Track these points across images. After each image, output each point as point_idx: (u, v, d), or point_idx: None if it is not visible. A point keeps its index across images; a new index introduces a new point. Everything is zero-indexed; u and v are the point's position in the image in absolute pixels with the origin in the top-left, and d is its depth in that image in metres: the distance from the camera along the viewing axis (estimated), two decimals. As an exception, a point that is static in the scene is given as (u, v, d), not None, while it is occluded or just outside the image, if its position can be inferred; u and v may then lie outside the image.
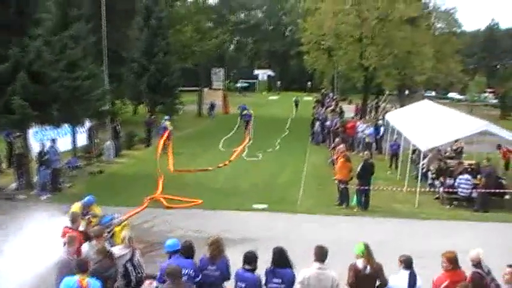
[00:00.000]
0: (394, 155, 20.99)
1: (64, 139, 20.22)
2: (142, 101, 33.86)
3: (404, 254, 6.77)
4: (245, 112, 32.17)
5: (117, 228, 9.00)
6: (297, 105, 44.68)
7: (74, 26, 17.96)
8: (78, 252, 7.27)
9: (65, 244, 7.23)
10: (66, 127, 19.25)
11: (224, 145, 26.32)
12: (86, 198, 9.91)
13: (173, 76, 32.52)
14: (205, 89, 45.41)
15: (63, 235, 7.83)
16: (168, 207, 14.64)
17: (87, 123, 20.75)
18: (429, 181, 17.47)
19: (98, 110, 19.15)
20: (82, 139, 21.85)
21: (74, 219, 8.43)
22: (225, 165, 20.02)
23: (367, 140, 23.64)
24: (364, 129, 24.46)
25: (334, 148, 19.72)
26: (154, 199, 14.99)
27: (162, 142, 19.53)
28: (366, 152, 16.95)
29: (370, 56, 33.06)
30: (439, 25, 47.44)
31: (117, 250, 7.27)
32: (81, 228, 8.27)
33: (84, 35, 18.77)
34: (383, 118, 27.01)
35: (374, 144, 24.37)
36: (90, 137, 22.28)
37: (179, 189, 16.32)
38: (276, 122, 36.22)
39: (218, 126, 34.69)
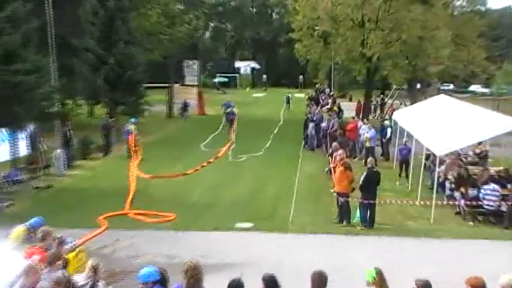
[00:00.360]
0: (404, 162, 21.13)
1: (1, 147, 19.97)
2: (99, 101, 33.62)
3: (421, 279, 6.77)
4: (229, 110, 32.97)
5: (70, 255, 8.90)
6: (288, 102, 45.07)
7: (9, 5, 17.46)
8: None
9: (21, 275, 6.85)
10: (3, 132, 18.99)
11: (207, 145, 27.04)
12: (33, 220, 9.58)
13: (137, 70, 32.33)
14: (177, 86, 45.53)
15: (29, 256, 7.57)
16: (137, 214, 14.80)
17: (31, 128, 20.51)
18: (447, 192, 17.55)
19: (44, 112, 18.95)
20: (24, 147, 21.56)
21: (45, 237, 8.20)
22: (206, 165, 20.34)
23: (367, 144, 23.70)
24: (366, 131, 24.62)
25: (331, 154, 19.66)
26: (116, 216, 15.12)
27: (132, 148, 19.74)
28: (369, 159, 17.03)
29: (373, 43, 33.07)
30: (458, 2, 47.42)
31: (80, 279, 7.18)
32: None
33: (24, 17, 18.25)
34: (390, 118, 27.18)
35: (379, 149, 24.48)
36: (34, 144, 22.01)
37: (147, 203, 16.43)
38: (263, 124, 36.41)
39: (193, 129, 34.82)
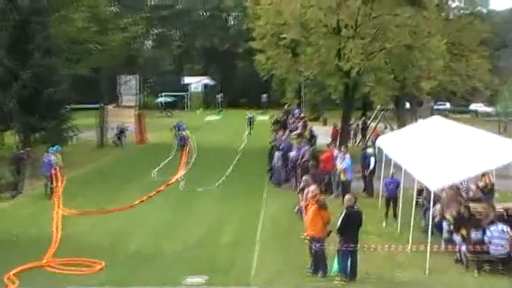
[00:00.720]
0: (392, 198, 21.16)
1: None
2: (9, 126, 32.98)
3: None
4: (180, 134, 34.15)
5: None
6: (251, 124, 45.42)
7: None
8: None
9: None
10: None
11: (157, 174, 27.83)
12: None
13: (60, 87, 32.10)
14: (110, 107, 45.06)
15: None
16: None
17: None
18: (445, 235, 17.58)
19: None
20: None
21: None
22: (145, 199, 20.40)
23: (342, 177, 23.88)
24: (340, 160, 24.78)
25: (302, 190, 19.64)
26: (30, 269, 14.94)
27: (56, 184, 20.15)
28: (347, 196, 16.58)
29: (352, 54, 33.00)
30: (454, 4, 47.28)
31: None
32: None
33: None
34: (373, 144, 27.36)
35: (361, 183, 24.67)
36: None
37: (73, 252, 16.38)
38: (218, 153, 36.76)
39: (131, 161, 34.91)
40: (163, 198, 22.31)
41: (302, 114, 47.32)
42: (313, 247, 15.31)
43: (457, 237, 16.78)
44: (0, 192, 25.20)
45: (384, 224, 20.50)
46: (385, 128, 39.74)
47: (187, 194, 25.06)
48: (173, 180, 24.50)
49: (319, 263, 15.33)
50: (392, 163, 21.85)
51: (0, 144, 36.47)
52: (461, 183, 19.49)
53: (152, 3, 74.34)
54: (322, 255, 15.28)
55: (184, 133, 34.95)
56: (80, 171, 30.11)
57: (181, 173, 26.80)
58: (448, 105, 63.94)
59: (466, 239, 16.29)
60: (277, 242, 18.44)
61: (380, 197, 22.94)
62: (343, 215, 15.23)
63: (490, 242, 15.78)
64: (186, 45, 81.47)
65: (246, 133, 44.53)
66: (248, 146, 39.51)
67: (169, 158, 33.34)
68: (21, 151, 27.51)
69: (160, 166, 31.13)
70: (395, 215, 20.68)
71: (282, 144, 29.55)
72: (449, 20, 43.99)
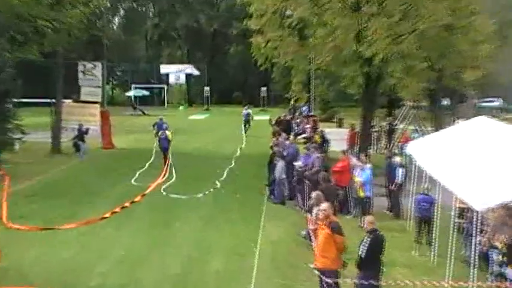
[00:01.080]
0: (425, 220, 21.25)
1: None
2: None
3: None
4: (162, 134, 34.96)
5: None
6: (248, 123, 46.20)
7: None
8: None
9: None
10: None
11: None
12: None
13: (1, 75, 31.97)
14: (67, 102, 45.07)
15: None
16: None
17: None
18: (494, 267, 17.53)
19: None
20: None
21: None
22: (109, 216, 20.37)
23: (360, 193, 23.97)
24: (357, 171, 24.88)
25: (311, 209, 19.63)
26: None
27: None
28: (368, 217, 16.53)
29: (375, 36, 33.09)
30: None
31: None
32: None
33: None
34: (402, 152, 27.32)
35: (385, 200, 25.05)
36: None
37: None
38: (205, 161, 37.07)
39: (95, 172, 34.55)
40: (136, 214, 22.54)
41: (311, 113, 47.30)
42: (325, 282, 15.24)
43: (509, 270, 16.73)
44: None
45: (414, 252, 20.55)
46: (417, 130, 39.56)
47: (166, 211, 25.18)
48: (148, 190, 24.51)
49: (331, 302, 15.29)
50: (425, 176, 21.68)
51: None
52: (514, 202, 19.43)
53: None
54: (335, 292, 15.27)
55: (167, 134, 35.53)
56: (26, 183, 29.96)
57: (159, 181, 27.44)
58: (497, 102, 63.74)
59: (521, 273, 16.31)
60: (279, 273, 18.45)
61: (409, 217, 23.04)
62: (367, 243, 15.16)
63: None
64: (164, 24, 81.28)
65: (243, 134, 44.54)
66: (243, 151, 39.50)
67: (145, 166, 33.75)
68: None
69: (136, 176, 31.55)
70: (429, 242, 20.68)
71: (286, 151, 29.55)
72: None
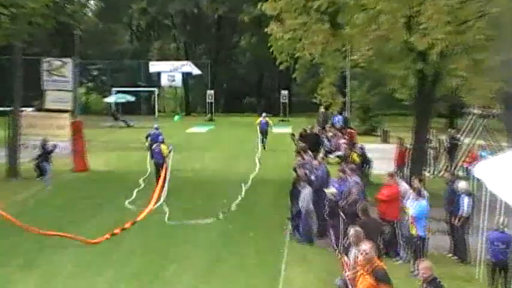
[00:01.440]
0: (500, 265, 21.03)
1: None
2: None
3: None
4: (156, 147, 36.14)
5: None
6: (265, 135, 47.76)
7: None
8: None
9: None
10: None
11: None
12: None
13: None
14: (28, 111, 45.24)
15: None
16: None
17: None
18: None
19: None
20: None
21: None
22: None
23: (412, 229, 23.49)
24: (409, 201, 24.41)
25: (347, 251, 19.89)
26: None
27: None
28: (425, 263, 16.41)
29: (431, 24, 32.79)
30: None
31: None
32: None
33: None
34: (468, 175, 26.85)
35: (448, 239, 25.23)
36: None
37: None
38: (209, 190, 37.05)
39: (63, 204, 34.21)
40: (118, 256, 22.94)
41: (347, 124, 47.09)
42: None
43: None
44: None
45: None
46: (488, 146, 39.13)
47: (158, 252, 25.15)
48: (140, 217, 26.18)
49: None
50: (500, 206, 21.35)
51: None
52: None
53: None
54: None
55: (161, 147, 36.32)
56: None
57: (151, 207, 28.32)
58: None
59: None
60: None
61: (480, 263, 22.52)
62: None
63: None
64: (154, 10, 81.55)
65: (259, 151, 44.57)
66: (258, 175, 39.90)
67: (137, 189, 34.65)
68: None
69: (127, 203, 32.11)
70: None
71: (314, 174, 29.19)
72: None
